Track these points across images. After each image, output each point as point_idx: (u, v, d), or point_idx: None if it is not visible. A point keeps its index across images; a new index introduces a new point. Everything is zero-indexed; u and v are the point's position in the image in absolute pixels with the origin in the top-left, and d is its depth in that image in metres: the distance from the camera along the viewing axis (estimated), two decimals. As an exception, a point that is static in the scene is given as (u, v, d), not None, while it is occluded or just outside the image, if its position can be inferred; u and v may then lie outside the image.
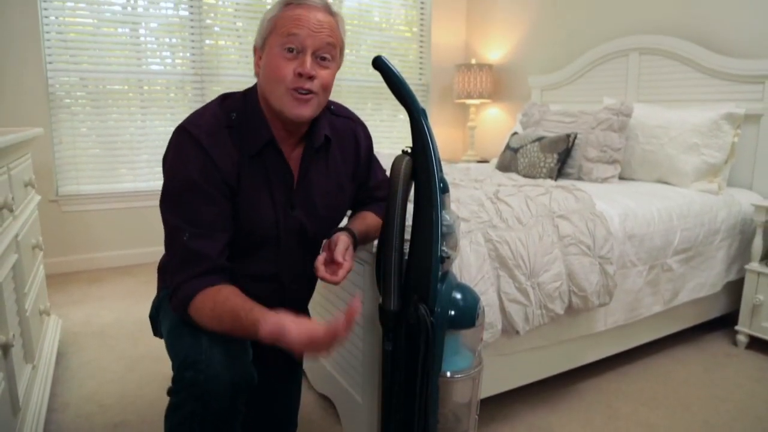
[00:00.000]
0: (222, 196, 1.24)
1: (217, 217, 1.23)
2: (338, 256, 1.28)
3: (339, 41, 1.29)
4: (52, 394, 2.04)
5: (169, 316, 1.30)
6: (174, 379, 1.16)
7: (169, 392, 1.17)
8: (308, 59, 1.22)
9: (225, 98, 1.34)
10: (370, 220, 1.50)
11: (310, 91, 1.24)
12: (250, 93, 1.33)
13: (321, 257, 1.30)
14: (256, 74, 1.32)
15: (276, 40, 1.24)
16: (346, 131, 1.46)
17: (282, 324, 1.05)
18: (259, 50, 1.29)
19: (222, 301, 1.16)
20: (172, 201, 1.23)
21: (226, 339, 1.19)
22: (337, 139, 1.43)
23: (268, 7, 1.29)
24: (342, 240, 1.32)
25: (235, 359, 1.17)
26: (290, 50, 1.22)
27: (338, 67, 1.33)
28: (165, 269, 1.40)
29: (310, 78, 1.23)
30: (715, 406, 2.04)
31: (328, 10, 1.27)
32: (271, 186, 1.32)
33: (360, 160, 1.49)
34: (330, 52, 1.26)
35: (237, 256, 1.33)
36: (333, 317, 1.07)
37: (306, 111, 1.26)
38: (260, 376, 1.54)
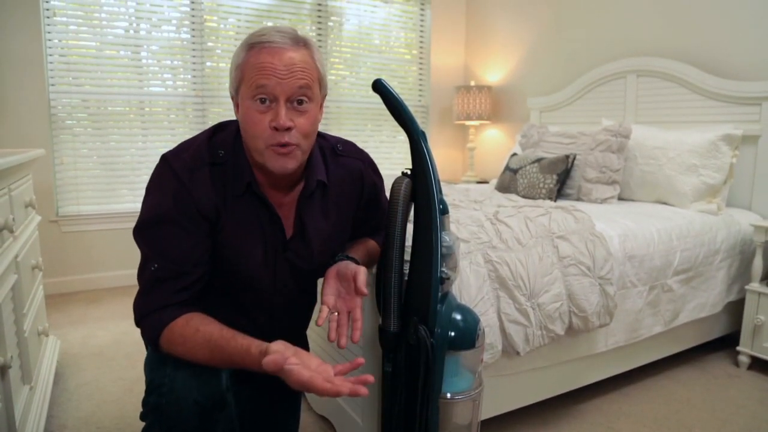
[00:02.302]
0: (198, 230, 1.19)
1: (190, 250, 1.19)
2: (362, 286, 1.21)
3: (315, 75, 1.19)
4: (50, 416, 2.02)
5: None
6: (142, 404, 1.17)
7: (141, 417, 1.17)
8: (282, 110, 1.14)
9: (217, 131, 1.28)
10: (371, 246, 1.47)
11: (289, 144, 1.16)
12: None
13: (325, 308, 1.22)
14: (237, 118, 1.25)
15: (246, 91, 1.16)
16: (351, 172, 1.38)
17: (285, 358, 0.99)
18: (235, 98, 1.22)
19: (191, 335, 1.12)
20: (146, 230, 1.19)
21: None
22: (338, 181, 1.36)
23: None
24: (362, 271, 1.25)
25: (201, 380, 1.15)
26: (262, 101, 1.14)
27: (322, 100, 1.26)
28: None
29: (288, 129, 1.15)
30: (718, 427, 2.03)
31: (297, 42, 1.17)
32: (263, 227, 1.27)
33: (362, 201, 1.42)
34: (305, 94, 1.16)
35: (227, 293, 1.32)
36: (337, 367, 1.04)
37: (289, 164, 1.18)
38: (259, 397, 1.54)
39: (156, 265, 1.17)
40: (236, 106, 1.23)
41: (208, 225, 1.21)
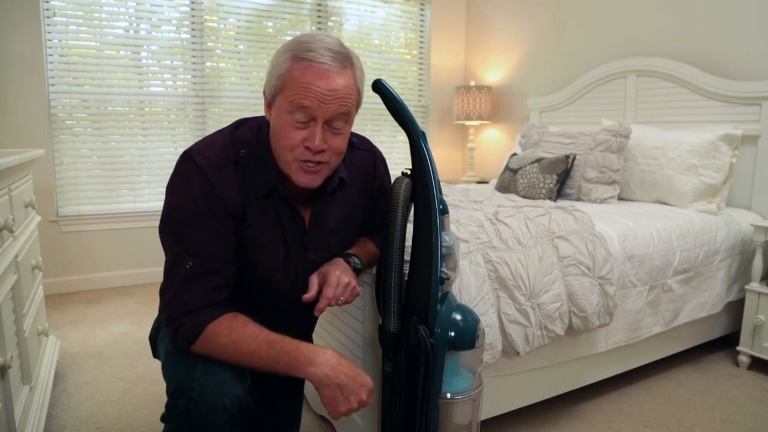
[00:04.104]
0: (226, 229, 1.19)
1: (220, 248, 1.18)
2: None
3: (355, 99, 1.20)
4: (49, 416, 2.02)
5: (168, 339, 1.28)
6: (167, 407, 1.14)
7: (163, 418, 1.15)
8: (318, 131, 1.14)
9: (238, 127, 1.26)
10: (370, 248, 1.48)
11: (319, 162, 1.17)
12: (263, 129, 1.25)
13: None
14: (268, 118, 1.23)
15: (284, 103, 1.14)
16: (365, 164, 1.41)
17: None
18: (269, 100, 1.21)
19: (240, 327, 1.14)
20: (173, 229, 1.18)
21: (223, 366, 1.15)
22: (355, 175, 1.37)
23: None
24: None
25: (231, 386, 1.14)
26: (298, 119, 1.14)
27: (355, 116, 1.25)
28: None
29: (321, 152, 1.16)
30: (718, 427, 2.03)
31: (344, 64, 1.15)
32: (283, 229, 1.27)
33: (373, 192, 1.44)
34: (343, 119, 1.17)
35: (248, 290, 1.31)
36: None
37: (315, 181, 1.20)
38: (262, 398, 1.53)
39: (190, 263, 1.15)
40: (268, 107, 1.22)
41: (234, 223, 1.21)
